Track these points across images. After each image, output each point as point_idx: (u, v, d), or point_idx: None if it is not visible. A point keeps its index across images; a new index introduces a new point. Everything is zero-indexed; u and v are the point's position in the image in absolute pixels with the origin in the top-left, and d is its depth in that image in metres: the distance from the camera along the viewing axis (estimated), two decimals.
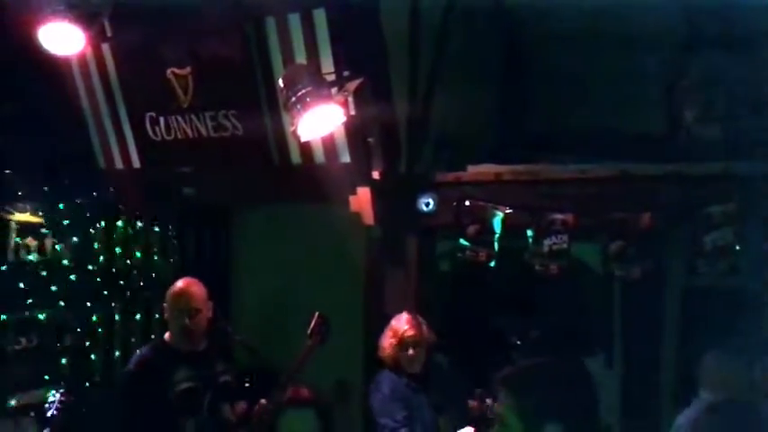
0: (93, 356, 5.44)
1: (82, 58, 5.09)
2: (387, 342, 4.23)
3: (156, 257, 5.66)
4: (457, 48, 4.99)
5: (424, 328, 4.28)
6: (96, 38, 4.72)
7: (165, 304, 3.91)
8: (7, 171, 5.02)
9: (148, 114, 5.08)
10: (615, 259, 4.55)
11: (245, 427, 3.82)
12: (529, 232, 4.78)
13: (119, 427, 3.88)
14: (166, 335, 3.94)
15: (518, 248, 4.85)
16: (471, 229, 4.89)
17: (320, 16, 4.34)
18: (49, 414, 3.66)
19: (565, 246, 4.70)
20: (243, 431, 3.81)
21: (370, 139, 4.68)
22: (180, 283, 3.92)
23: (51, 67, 4.93)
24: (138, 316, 5.64)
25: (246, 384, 4.14)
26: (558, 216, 4.71)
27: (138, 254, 5.62)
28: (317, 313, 4.00)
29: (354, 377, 4.98)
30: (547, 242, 4.73)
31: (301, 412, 2.98)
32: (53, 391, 3.76)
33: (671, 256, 4.59)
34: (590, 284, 4.95)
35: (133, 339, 5.55)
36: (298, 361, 3.88)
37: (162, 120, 5.03)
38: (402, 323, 4.24)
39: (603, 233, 4.59)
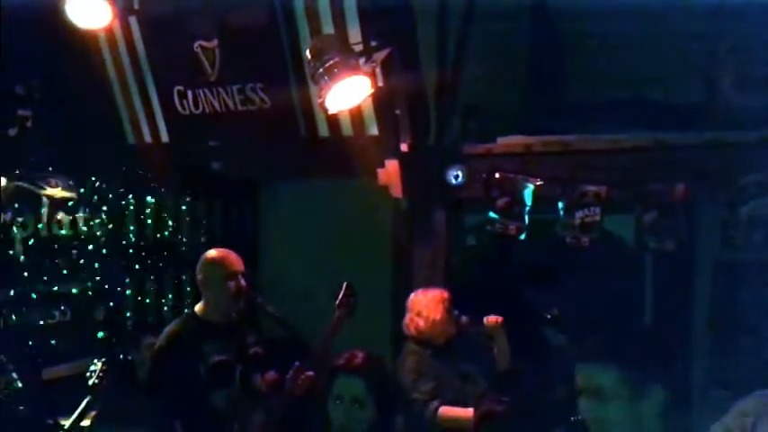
0: (126, 329, 5.50)
1: (109, 32, 5.10)
2: (421, 309, 4.24)
3: (185, 231, 5.69)
4: (486, 17, 4.90)
5: (448, 300, 4.29)
6: (123, 11, 4.73)
7: (199, 275, 3.91)
8: (38, 146, 5.05)
9: (176, 88, 5.08)
10: (648, 231, 4.48)
11: (276, 395, 3.83)
12: (560, 204, 4.72)
13: (151, 401, 3.91)
14: (198, 306, 3.96)
15: (549, 221, 4.79)
16: (501, 202, 4.84)
17: None
18: (90, 383, 3.70)
19: (597, 218, 4.64)
20: (275, 400, 3.82)
21: (398, 111, 4.63)
22: (215, 252, 3.93)
23: (79, 42, 4.94)
24: (169, 290, 5.68)
25: (276, 356, 4.15)
26: (590, 188, 4.64)
27: (169, 228, 5.65)
28: (345, 283, 4.00)
29: (383, 351, 4.98)
30: (578, 214, 4.67)
31: (351, 379, 2.95)
32: (95, 360, 3.79)
33: (706, 228, 4.50)
34: (622, 257, 4.87)
35: (165, 312, 5.60)
36: (327, 331, 3.88)
37: (190, 93, 5.03)
38: (431, 292, 4.28)
39: (636, 205, 4.52)
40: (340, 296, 3.97)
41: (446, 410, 4.09)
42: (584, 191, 4.61)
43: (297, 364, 3.79)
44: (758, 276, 4.35)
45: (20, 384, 3.28)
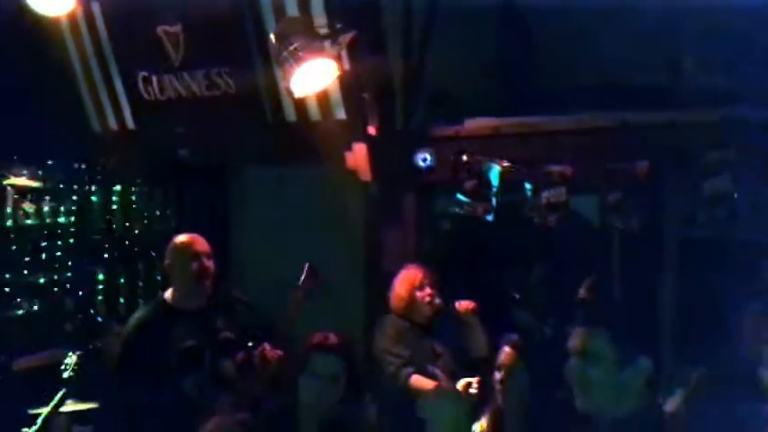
0: (97, 319, 5.46)
1: (72, 19, 5.02)
2: (402, 288, 4.30)
3: (154, 219, 5.65)
4: (452, 2, 4.92)
5: (421, 280, 4.35)
6: None
7: (167, 260, 3.89)
8: (2, 136, 4.98)
9: (141, 74, 5.03)
10: (613, 210, 4.54)
11: (246, 377, 3.84)
12: (527, 185, 4.77)
13: (122, 390, 3.89)
14: (167, 293, 3.94)
15: (516, 202, 4.84)
16: (469, 184, 4.88)
17: None
18: (65, 375, 3.67)
19: (563, 198, 4.70)
20: (245, 382, 3.83)
21: (365, 95, 4.63)
22: (184, 237, 3.91)
23: (41, 29, 4.87)
24: (139, 279, 5.65)
25: (248, 341, 4.15)
26: (556, 168, 4.69)
27: (137, 216, 5.61)
28: (307, 264, 4.03)
29: (356, 334, 5.01)
30: (545, 195, 4.72)
31: (327, 356, 3.07)
32: (69, 353, 3.77)
33: (670, 206, 4.57)
34: (588, 236, 4.93)
35: (136, 301, 5.57)
36: (289, 310, 3.90)
37: (155, 79, 4.99)
38: (412, 270, 4.35)
39: (602, 184, 4.58)
40: (302, 276, 3.99)
41: (417, 379, 4.16)
42: (550, 171, 4.66)
43: (264, 344, 3.81)
44: (721, 253, 4.43)
45: None
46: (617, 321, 2.24)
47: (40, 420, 3.44)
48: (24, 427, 3.51)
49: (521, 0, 5.25)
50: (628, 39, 4.85)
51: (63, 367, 3.58)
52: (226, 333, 3.91)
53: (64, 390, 3.55)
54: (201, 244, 3.86)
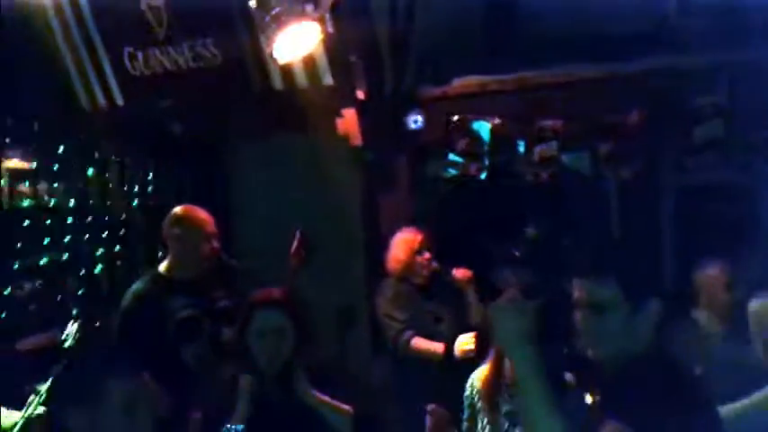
0: (98, 296, 5.50)
1: None
2: (400, 251, 4.32)
3: (149, 193, 5.66)
4: None
5: (418, 242, 4.37)
6: None
7: (169, 230, 3.90)
8: (53, 118, 4.97)
9: (126, 50, 5.00)
10: (605, 161, 4.54)
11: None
12: (518, 141, 4.76)
13: (121, 363, 3.92)
14: (162, 265, 3.96)
15: (508, 159, 4.83)
16: (461, 144, 4.88)
17: None
18: (66, 345, 3.70)
19: (555, 152, 4.70)
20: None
21: (352, 59, 4.60)
22: (186, 209, 3.92)
23: (25, 10, 4.84)
24: (139, 256, 5.67)
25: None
26: (547, 123, 4.69)
27: (132, 191, 5.61)
28: (297, 232, 4.04)
29: (359, 301, 5.04)
30: (537, 150, 4.72)
31: (270, 312, 3.10)
32: (70, 323, 3.79)
33: (662, 154, 4.56)
34: (583, 190, 4.92)
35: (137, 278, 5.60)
36: (288, 280, 3.93)
37: (140, 54, 4.95)
38: (410, 233, 4.39)
39: (593, 136, 4.57)
40: (294, 245, 4.01)
41: (419, 342, 4.19)
42: (541, 126, 4.65)
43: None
44: (713, 198, 4.43)
45: None
46: (621, 269, 2.22)
47: (43, 390, 3.48)
48: None
49: None
50: None
51: (64, 337, 3.61)
52: (224, 301, 3.95)
53: (65, 361, 3.58)
54: (209, 222, 3.89)
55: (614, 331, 2.21)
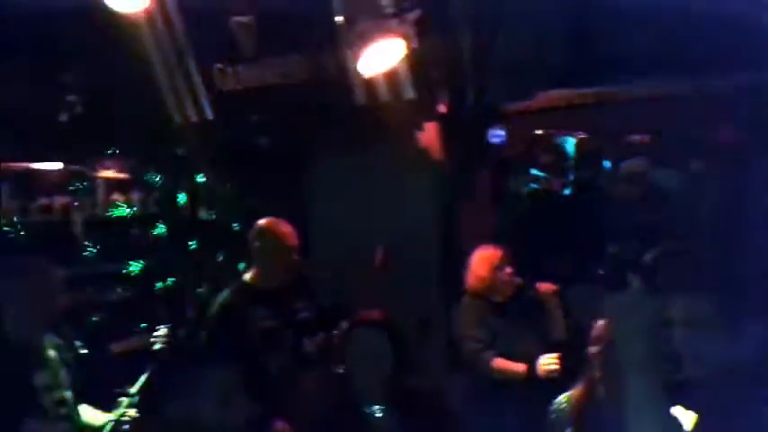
0: (185, 304, 5.68)
1: (149, 15, 5.20)
2: (482, 268, 4.28)
3: (235, 205, 5.82)
4: None
5: (499, 259, 4.32)
6: None
7: (254, 243, 4.01)
8: (89, 131, 5.23)
9: (217, 66, 5.18)
10: (694, 178, 4.40)
11: (325, 357, 3.92)
12: (604, 157, 4.68)
13: (210, 369, 4.03)
14: (248, 275, 4.06)
15: (594, 174, 4.75)
16: (544, 158, 4.83)
17: None
18: (155, 348, 3.83)
19: (643, 168, 4.59)
20: (324, 362, 3.91)
21: (434, 73, 4.63)
22: (271, 222, 4.03)
23: (120, 26, 5.06)
24: (223, 265, 5.83)
25: (328, 321, 4.23)
26: (635, 138, 4.59)
27: (219, 203, 5.79)
28: (379, 247, 4.08)
29: (435, 314, 5.03)
30: (624, 165, 4.63)
31: (370, 332, 3.07)
32: (159, 326, 3.93)
33: (754, 172, 4.38)
34: (670, 206, 4.78)
35: (221, 286, 5.75)
36: (367, 293, 3.96)
37: (230, 70, 5.13)
38: (491, 249, 4.31)
39: (682, 152, 4.44)
40: (377, 261, 4.04)
41: (500, 362, 4.13)
42: (628, 141, 4.56)
43: (344, 325, 3.89)
44: None
45: (84, 351, 3.44)
46: (718, 287, 2.12)
47: (136, 389, 3.60)
48: None
49: None
50: (700, 3, 4.66)
51: (154, 340, 3.74)
52: (305, 313, 4.01)
53: (154, 364, 3.71)
54: (291, 234, 3.98)
55: (711, 349, 2.13)
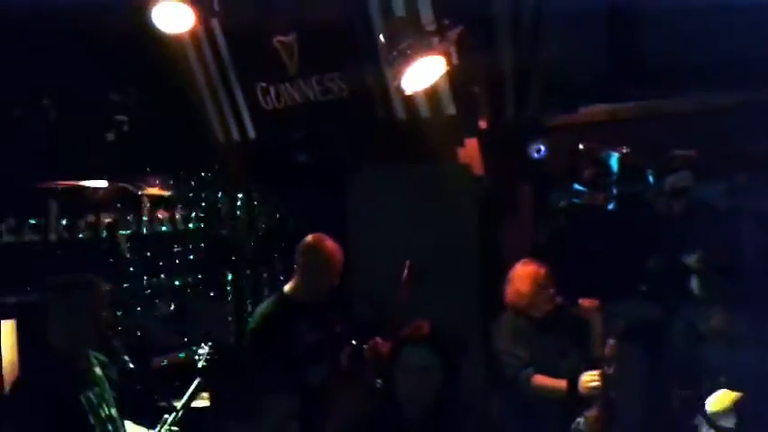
0: (227, 318, 5.74)
1: (194, 36, 5.31)
2: (524, 284, 4.26)
3: (275, 221, 5.87)
4: None
5: (541, 275, 4.29)
6: (205, 14, 4.92)
7: (300, 258, 4.05)
8: (135, 149, 5.34)
9: (259, 85, 5.25)
10: (742, 193, 4.31)
11: (358, 370, 3.93)
12: (649, 171, 4.61)
13: (251, 382, 4.06)
14: (288, 287, 4.09)
15: (638, 189, 4.68)
16: (587, 173, 4.77)
17: None
18: (199, 365, 3.88)
19: (688, 183, 4.51)
20: (362, 375, 3.92)
21: (475, 88, 4.63)
22: (317, 238, 4.07)
23: (166, 46, 5.18)
24: (264, 279, 5.88)
25: (358, 335, 4.24)
26: (679, 152, 4.51)
27: (260, 219, 5.85)
28: (407, 263, 4.08)
29: (473, 329, 5.00)
30: (668, 180, 4.55)
31: (418, 348, 3.06)
32: (202, 344, 3.99)
33: None
34: (716, 221, 4.69)
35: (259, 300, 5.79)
36: (396, 308, 3.97)
37: (272, 89, 5.19)
38: (533, 265, 4.30)
39: (728, 166, 4.35)
40: (404, 277, 4.05)
41: (540, 379, 4.09)
42: (673, 155, 4.48)
43: (376, 338, 3.90)
44: None
45: (132, 366, 3.49)
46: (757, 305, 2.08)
47: (179, 406, 3.65)
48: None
49: None
50: (742, 14, 4.58)
51: (197, 358, 3.79)
52: (341, 326, 4.04)
53: (198, 380, 3.75)
54: (337, 251, 4.02)
55: (750, 367, 2.08)
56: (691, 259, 4.61)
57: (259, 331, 3.98)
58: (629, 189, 4.67)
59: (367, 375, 3.91)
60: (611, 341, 3.70)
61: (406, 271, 4.12)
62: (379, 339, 3.92)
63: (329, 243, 4.05)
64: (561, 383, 4.06)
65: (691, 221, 4.59)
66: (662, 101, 4.57)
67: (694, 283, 4.62)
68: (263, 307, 4.13)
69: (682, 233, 4.79)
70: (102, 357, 3.36)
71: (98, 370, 3.29)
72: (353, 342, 3.99)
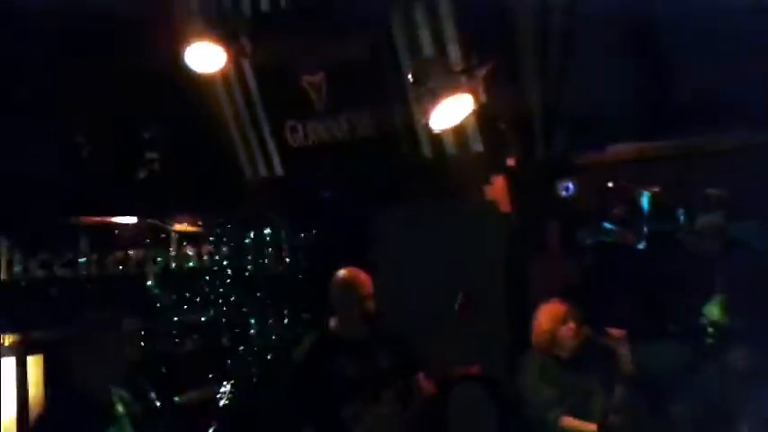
0: (250, 357, 5.71)
1: (224, 75, 5.40)
2: (544, 321, 4.23)
3: (301, 258, 5.87)
4: (587, 24, 4.83)
5: (565, 313, 4.25)
6: (236, 54, 5.01)
7: (333, 292, 4.05)
8: (165, 186, 5.40)
9: (288, 123, 5.31)
10: None
11: (405, 407, 3.89)
12: (680, 211, 4.55)
13: (289, 416, 4.03)
14: (332, 323, 4.08)
15: (668, 228, 4.62)
16: (616, 212, 4.72)
17: (445, 4, 4.36)
18: (220, 404, 3.87)
19: (721, 222, 4.43)
20: (406, 412, 3.87)
21: (502, 125, 4.63)
22: (349, 272, 4.07)
23: (197, 85, 5.26)
24: (288, 316, 5.86)
25: (400, 372, 4.19)
26: (712, 191, 4.45)
27: (286, 257, 5.85)
28: (462, 291, 4.05)
29: (499, 365, 4.93)
30: (700, 220, 4.49)
31: (470, 388, 3.04)
32: (224, 383, 3.98)
33: None
34: (751, 263, 4.59)
35: (284, 337, 5.77)
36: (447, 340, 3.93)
37: (300, 126, 5.25)
38: (555, 303, 4.27)
39: (763, 206, 4.28)
40: (459, 305, 4.02)
41: (569, 421, 4.01)
42: (705, 195, 4.42)
43: (419, 375, 3.85)
44: None
45: (157, 403, 3.48)
46: None
47: None
48: None
49: (658, 18, 5.07)
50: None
51: (219, 396, 3.77)
52: (385, 363, 3.99)
53: (220, 420, 3.73)
54: (367, 283, 4.00)
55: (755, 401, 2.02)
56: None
57: (301, 365, 3.97)
58: (660, 228, 4.60)
59: (415, 414, 3.87)
60: (618, 388, 3.65)
61: (461, 300, 4.09)
62: (421, 376, 3.88)
63: (357, 275, 4.04)
64: (590, 427, 3.98)
65: (723, 261, 4.51)
66: (690, 139, 4.52)
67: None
68: (306, 340, 4.12)
69: (714, 273, 4.71)
70: (125, 395, 3.35)
71: (120, 407, 3.28)
72: (397, 379, 3.94)
